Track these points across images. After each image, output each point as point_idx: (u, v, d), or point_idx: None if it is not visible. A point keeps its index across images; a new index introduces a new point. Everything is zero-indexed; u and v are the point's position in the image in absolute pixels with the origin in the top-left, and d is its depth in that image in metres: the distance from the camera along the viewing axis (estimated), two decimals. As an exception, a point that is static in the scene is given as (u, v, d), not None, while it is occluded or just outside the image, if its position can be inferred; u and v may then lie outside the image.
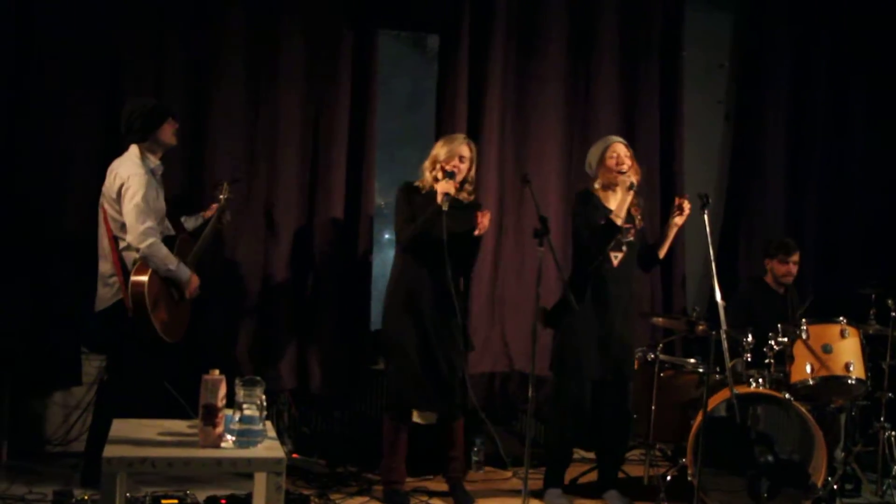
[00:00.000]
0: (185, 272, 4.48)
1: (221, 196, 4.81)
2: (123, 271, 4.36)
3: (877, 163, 6.27)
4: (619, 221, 4.50)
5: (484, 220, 4.43)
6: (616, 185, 4.64)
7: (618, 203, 4.57)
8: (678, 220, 4.64)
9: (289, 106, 5.32)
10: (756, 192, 6.19)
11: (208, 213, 4.83)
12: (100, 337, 4.65)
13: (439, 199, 4.38)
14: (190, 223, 4.85)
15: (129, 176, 4.36)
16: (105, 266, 4.45)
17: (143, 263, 4.34)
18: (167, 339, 4.42)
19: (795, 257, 5.50)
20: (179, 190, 5.08)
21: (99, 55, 5.05)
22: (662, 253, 4.81)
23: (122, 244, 4.39)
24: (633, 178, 4.56)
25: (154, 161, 4.51)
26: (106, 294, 4.44)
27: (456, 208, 4.45)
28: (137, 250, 4.33)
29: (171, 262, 4.40)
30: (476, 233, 4.45)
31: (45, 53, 4.97)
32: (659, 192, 5.94)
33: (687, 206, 4.59)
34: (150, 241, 4.32)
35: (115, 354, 4.55)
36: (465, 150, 4.53)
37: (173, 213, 4.73)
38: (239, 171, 5.16)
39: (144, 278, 4.30)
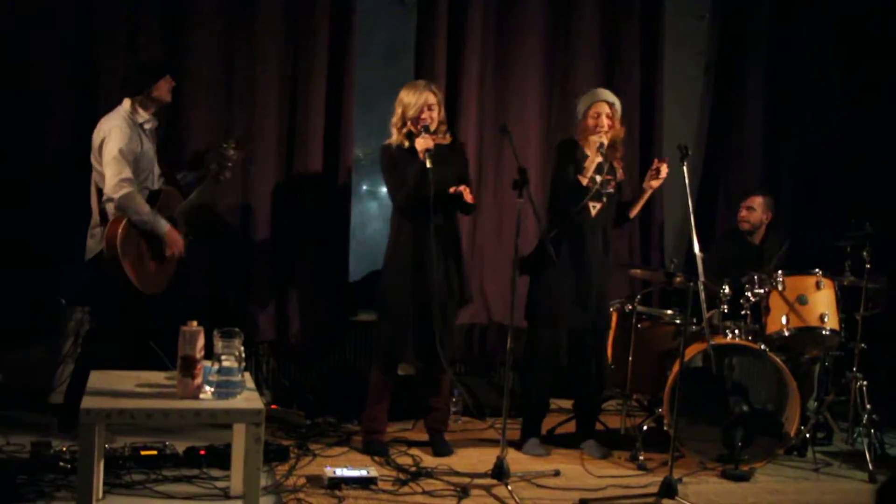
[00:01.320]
0: (161, 225, 4.43)
1: (230, 152, 4.66)
2: (104, 222, 4.37)
3: (855, 113, 6.30)
4: (584, 182, 4.57)
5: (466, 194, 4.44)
6: (590, 143, 4.66)
7: (587, 164, 4.61)
8: (654, 183, 4.67)
9: (266, 57, 5.24)
10: (735, 144, 6.22)
11: (207, 170, 4.72)
12: (86, 287, 4.63)
13: (421, 156, 4.35)
14: (188, 178, 4.79)
15: (110, 129, 4.36)
16: (94, 218, 4.47)
17: (120, 213, 4.33)
18: (143, 289, 4.39)
19: (751, 202, 5.51)
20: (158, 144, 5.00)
21: (71, 6, 4.94)
22: (633, 213, 4.85)
23: (104, 196, 4.39)
24: (605, 139, 4.58)
25: (144, 115, 4.47)
26: (91, 245, 4.46)
27: (438, 153, 4.41)
28: (111, 199, 4.32)
29: (146, 213, 4.37)
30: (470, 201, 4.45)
31: (14, 8, 4.86)
32: (639, 145, 5.94)
33: (664, 169, 4.59)
34: (124, 191, 4.30)
35: (98, 305, 4.56)
36: (431, 98, 4.48)
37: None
38: (248, 130, 5.08)
39: (118, 227, 4.30)
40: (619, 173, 4.77)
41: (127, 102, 4.45)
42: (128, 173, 4.32)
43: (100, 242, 4.37)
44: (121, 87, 4.48)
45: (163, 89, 4.49)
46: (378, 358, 4.64)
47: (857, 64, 6.29)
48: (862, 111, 6.31)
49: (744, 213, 5.53)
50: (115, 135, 4.33)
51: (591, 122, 4.68)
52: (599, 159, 4.59)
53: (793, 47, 6.24)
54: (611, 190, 4.69)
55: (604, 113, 4.67)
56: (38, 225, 4.90)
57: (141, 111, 4.46)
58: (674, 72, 6.09)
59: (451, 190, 4.43)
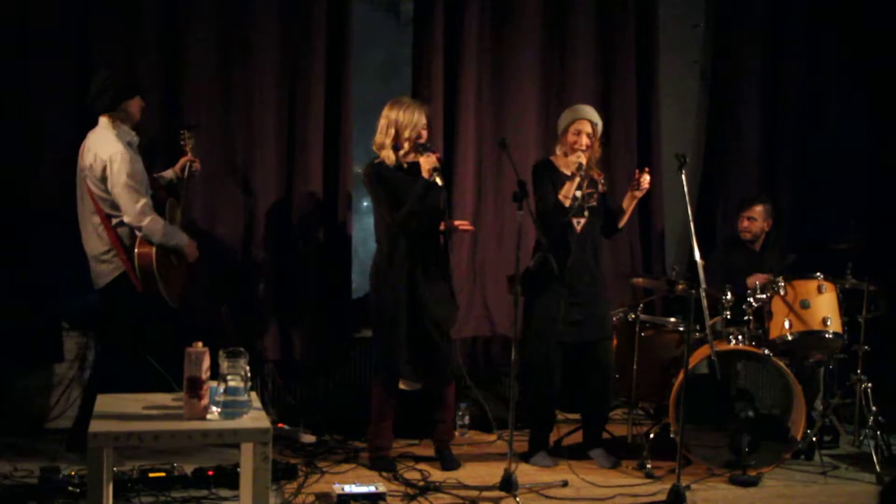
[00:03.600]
0: (183, 239, 4.55)
1: (187, 147, 4.77)
2: (123, 247, 4.39)
3: (852, 117, 6.31)
4: (566, 203, 4.58)
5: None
6: (569, 163, 4.68)
7: (567, 184, 4.61)
8: (637, 194, 4.67)
9: (263, 76, 5.27)
10: (733, 151, 6.23)
11: (178, 167, 4.81)
12: (102, 311, 4.59)
13: (426, 175, 4.35)
14: (165, 178, 4.82)
15: (111, 156, 4.34)
16: (98, 244, 4.43)
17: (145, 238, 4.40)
18: (172, 304, 4.53)
19: (751, 212, 5.50)
20: (155, 167, 5.00)
21: (69, 20, 4.96)
22: (622, 223, 4.86)
23: (115, 221, 4.40)
24: (584, 159, 4.58)
25: (128, 132, 4.47)
26: (105, 270, 4.44)
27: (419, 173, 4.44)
28: (139, 229, 4.36)
29: (171, 234, 4.47)
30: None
31: (12, 16, 4.89)
32: (636, 154, 5.95)
33: (645, 181, 4.60)
34: (149, 218, 4.36)
35: (114, 328, 4.53)
36: (424, 118, 4.50)
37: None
38: (193, 118, 5.03)
39: (150, 249, 4.38)
40: (601, 186, 4.79)
41: (105, 121, 4.43)
42: (144, 199, 4.37)
43: (118, 267, 4.40)
44: (91, 102, 4.45)
45: (135, 106, 4.50)
46: (378, 375, 4.66)
47: (853, 67, 6.31)
48: (859, 114, 6.32)
49: (745, 223, 5.52)
50: (119, 161, 4.33)
51: (571, 137, 4.69)
52: (578, 180, 4.59)
53: (787, 52, 6.26)
54: (593, 203, 4.70)
55: (585, 132, 4.67)
56: (40, 248, 4.91)
57: (123, 127, 4.46)
58: (669, 80, 6.11)
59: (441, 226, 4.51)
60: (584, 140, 4.66)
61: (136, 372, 4.41)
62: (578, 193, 4.61)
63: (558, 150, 4.79)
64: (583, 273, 4.68)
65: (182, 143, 4.77)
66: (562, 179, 4.66)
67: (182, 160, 4.78)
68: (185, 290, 4.70)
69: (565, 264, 4.64)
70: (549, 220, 4.65)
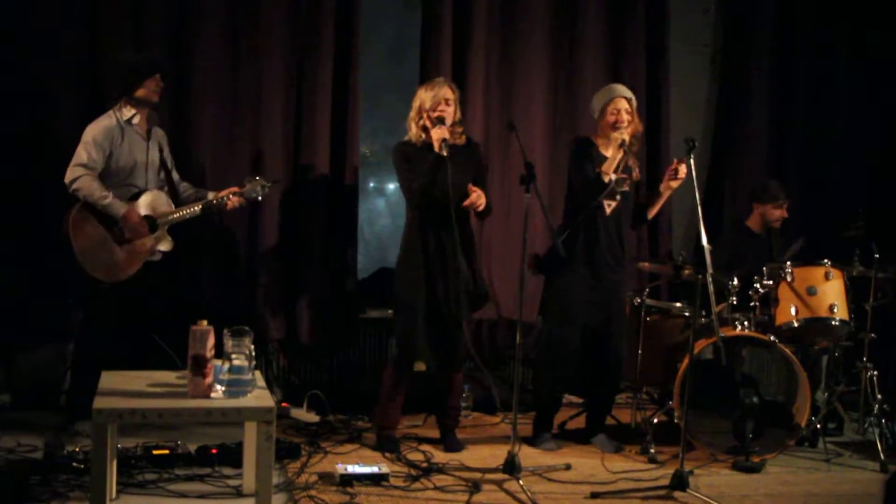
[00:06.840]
0: (117, 207, 4.38)
1: (254, 189, 4.63)
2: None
3: (861, 103, 6.28)
4: (606, 178, 4.54)
5: (476, 199, 4.40)
6: (611, 140, 4.64)
7: (608, 159, 4.58)
8: (673, 184, 4.64)
9: (271, 57, 5.24)
10: (741, 135, 6.20)
11: (223, 193, 4.65)
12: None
13: (436, 147, 4.32)
14: (187, 192, 4.73)
15: (91, 125, 4.38)
16: None
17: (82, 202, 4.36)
18: (94, 273, 4.36)
19: (786, 203, 5.50)
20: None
21: (77, 3, 4.95)
22: (652, 214, 4.85)
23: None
24: (626, 136, 4.56)
25: (128, 112, 4.44)
26: None
27: (453, 155, 4.40)
28: (69, 183, 4.34)
29: (98, 195, 4.35)
30: (465, 203, 4.39)
31: (18, 7, 4.88)
32: (645, 138, 5.90)
33: (683, 169, 4.56)
34: (75, 174, 4.33)
35: (87, 304, 4.56)
36: (448, 93, 4.46)
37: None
38: (279, 176, 5.03)
39: (73, 209, 4.34)
40: (635, 173, 4.75)
41: (118, 103, 4.47)
42: (84, 159, 4.35)
43: None
44: (111, 89, 4.48)
45: (149, 89, 4.45)
46: (393, 356, 4.64)
47: (863, 52, 6.27)
48: (868, 99, 6.29)
49: (781, 212, 5.46)
50: (90, 127, 4.37)
51: (610, 118, 4.64)
52: (621, 155, 4.55)
53: (798, 36, 6.22)
54: (626, 188, 4.66)
55: (623, 109, 4.64)
56: (44, 226, 4.91)
57: (126, 109, 4.44)
58: (679, 64, 6.07)
59: (465, 204, 4.40)
60: (625, 116, 4.63)
61: (118, 348, 4.37)
62: (614, 176, 4.58)
63: (599, 133, 4.75)
64: (608, 256, 4.66)
65: (250, 184, 4.64)
66: (601, 158, 4.63)
67: (230, 191, 4.64)
68: (131, 270, 4.47)
69: (595, 246, 4.63)
70: (583, 196, 4.63)
